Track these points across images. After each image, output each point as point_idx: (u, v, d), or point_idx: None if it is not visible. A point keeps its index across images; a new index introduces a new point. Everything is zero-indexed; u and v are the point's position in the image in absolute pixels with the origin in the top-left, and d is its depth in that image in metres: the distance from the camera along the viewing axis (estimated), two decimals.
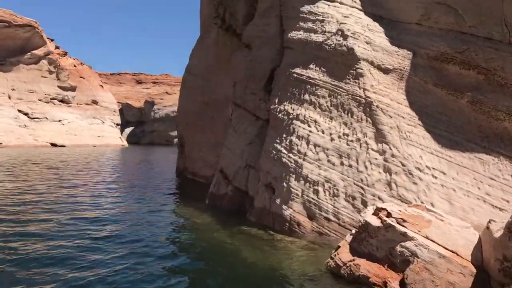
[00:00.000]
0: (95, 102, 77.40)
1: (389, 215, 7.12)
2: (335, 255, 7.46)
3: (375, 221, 7.21)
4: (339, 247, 7.66)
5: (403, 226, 6.94)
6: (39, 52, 68.47)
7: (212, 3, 20.96)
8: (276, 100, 11.72)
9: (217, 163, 19.26)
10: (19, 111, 64.38)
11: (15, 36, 63.62)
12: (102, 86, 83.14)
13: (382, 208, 7.38)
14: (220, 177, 13.61)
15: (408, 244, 6.67)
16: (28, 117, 65.27)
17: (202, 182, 19.82)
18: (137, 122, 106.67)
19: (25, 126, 63.46)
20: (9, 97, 64.28)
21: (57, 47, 76.16)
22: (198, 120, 21.58)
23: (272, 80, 12.73)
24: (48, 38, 71.23)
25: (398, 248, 6.75)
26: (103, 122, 75.60)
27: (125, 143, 77.39)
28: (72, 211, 12.66)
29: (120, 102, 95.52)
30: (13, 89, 65.50)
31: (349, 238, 7.70)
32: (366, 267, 6.95)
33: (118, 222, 11.56)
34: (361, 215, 7.73)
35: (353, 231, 7.69)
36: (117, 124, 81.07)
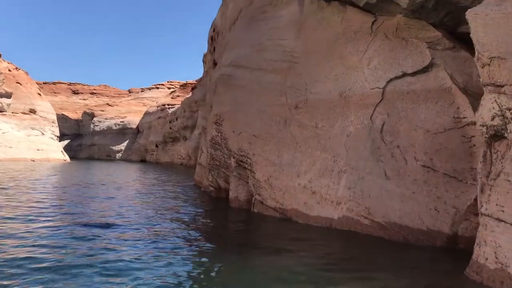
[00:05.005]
0: (33, 111, 64.71)
1: None
2: None
3: None
4: None
5: None
6: None
7: None
8: None
9: (353, 199, 11.62)
10: None
11: None
12: (40, 94, 70.46)
13: None
14: None
15: None
16: None
17: (315, 227, 12.03)
18: (73, 134, 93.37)
19: None
20: None
21: None
22: (282, 132, 13.84)
23: None
24: None
25: None
26: (43, 134, 63.22)
27: (67, 158, 65.26)
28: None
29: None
30: None
31: None
32: None
33: None
34: None
35: None
36: (57, 136, 68.82)
